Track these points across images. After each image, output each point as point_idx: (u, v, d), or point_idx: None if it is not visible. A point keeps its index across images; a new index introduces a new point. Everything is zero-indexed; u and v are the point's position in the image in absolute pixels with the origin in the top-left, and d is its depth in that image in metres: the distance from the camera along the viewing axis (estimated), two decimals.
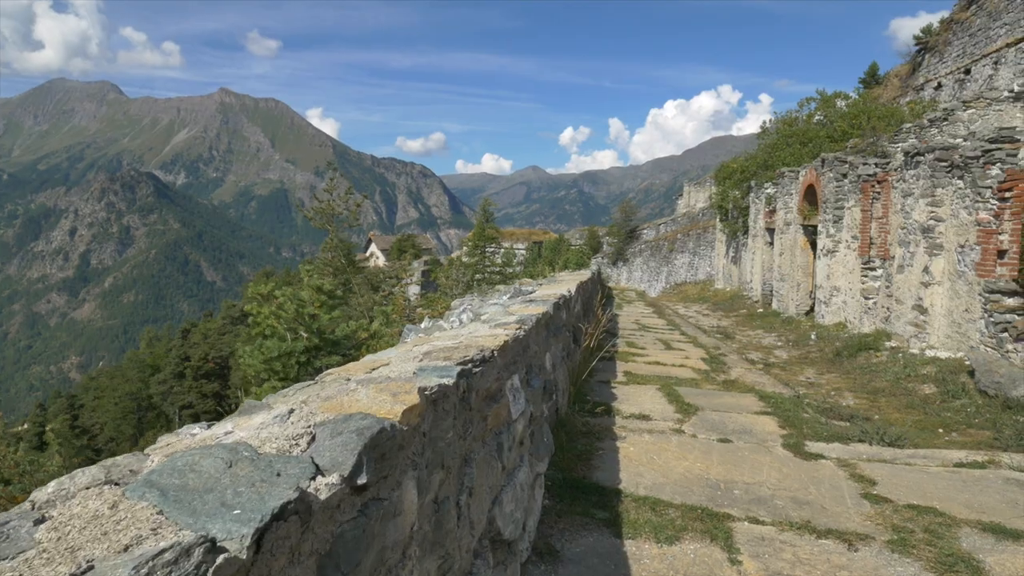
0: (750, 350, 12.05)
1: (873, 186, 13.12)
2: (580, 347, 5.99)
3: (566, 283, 7.24)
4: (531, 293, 6.23)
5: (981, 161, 8.95)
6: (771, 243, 22.13)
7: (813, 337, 13.07)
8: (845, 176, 14.24)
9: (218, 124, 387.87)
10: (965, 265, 9.06)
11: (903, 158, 10.88)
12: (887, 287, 11.84)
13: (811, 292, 18.10)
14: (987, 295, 8.46)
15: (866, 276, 13.14)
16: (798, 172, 18.46)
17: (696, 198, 55.90)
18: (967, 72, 26.59)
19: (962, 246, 9.17)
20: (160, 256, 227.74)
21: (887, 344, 10.51)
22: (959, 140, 9.77)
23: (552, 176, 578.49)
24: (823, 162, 15.41)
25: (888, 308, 11.73)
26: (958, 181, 9.34)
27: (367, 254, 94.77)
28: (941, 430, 6.30)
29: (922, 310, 9.90)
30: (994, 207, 8.67)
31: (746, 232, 25.74)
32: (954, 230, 9.39)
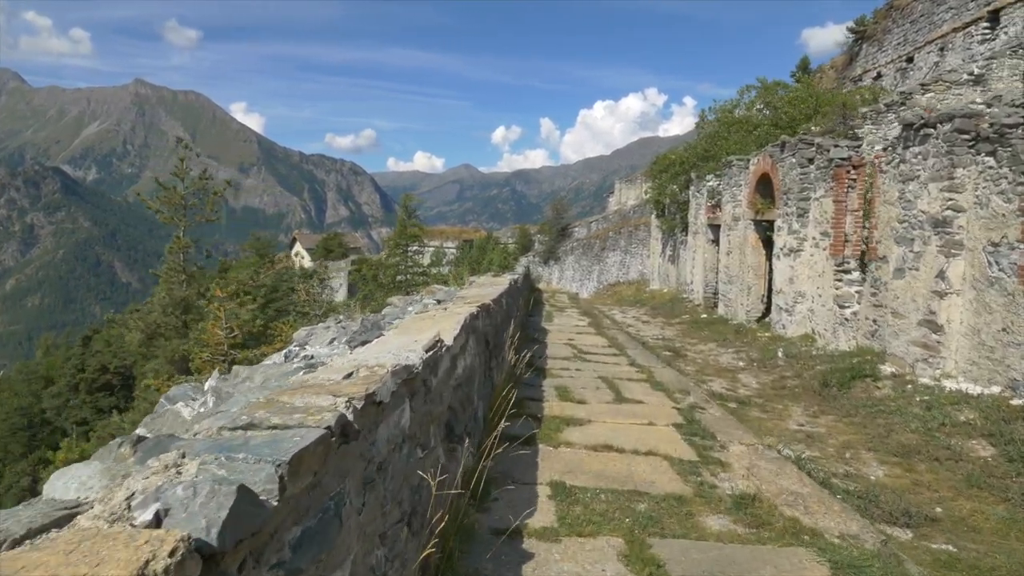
0: (710, 375, 9.57)
1: (848, 171, 10.92)
2: (462, 461, 3.03)
3: (458, 311, 4.41)
4: (379, 335, 3.45)
5: (1022, 131, 6.68)
6: (714, 241, 20.02)
7: (781, 355, 10.74)
8: (812, 161, 12.03)
9: (133, 116, 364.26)
10: (1001, 269, 6.78)
11: (901, 132, 8.61)
12: (873, 295, 9.60)
13: (763, 296, 15.99)
14: None
15: (840, 280, 10.93)
16: (748, 160, 16.31)
17: (627, 196, 54.75)
18: (910, 60, 25.38)
19: (995, 244, 6.89)
20: (69, 256, 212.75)
21: (884, 369, 8.20)
22: (981, 106, 7.53)
23: (485, 174, 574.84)
24: (783, 146, 13.20)
25: (876, 321, 9.48)
26: (987, 158, 7.07)
27: (292, 253, 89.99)
28: None
29: (934, 327, 7.61)
30: None
31: (685, 229, 23.63)
32: (982, 223, 7.11)
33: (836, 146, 11.31)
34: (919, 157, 8.02)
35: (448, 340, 3.05)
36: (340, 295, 58.68)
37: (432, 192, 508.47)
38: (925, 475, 5.09)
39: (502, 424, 3.69)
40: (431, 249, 56.83)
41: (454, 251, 56.42)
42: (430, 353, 2.58)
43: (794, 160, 12.54)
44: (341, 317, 6.57)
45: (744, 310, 16.01)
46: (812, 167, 12.02)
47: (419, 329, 3.43)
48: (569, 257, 43.64)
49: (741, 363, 10.68)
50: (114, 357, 45.42)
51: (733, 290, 16.90)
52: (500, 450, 3.49)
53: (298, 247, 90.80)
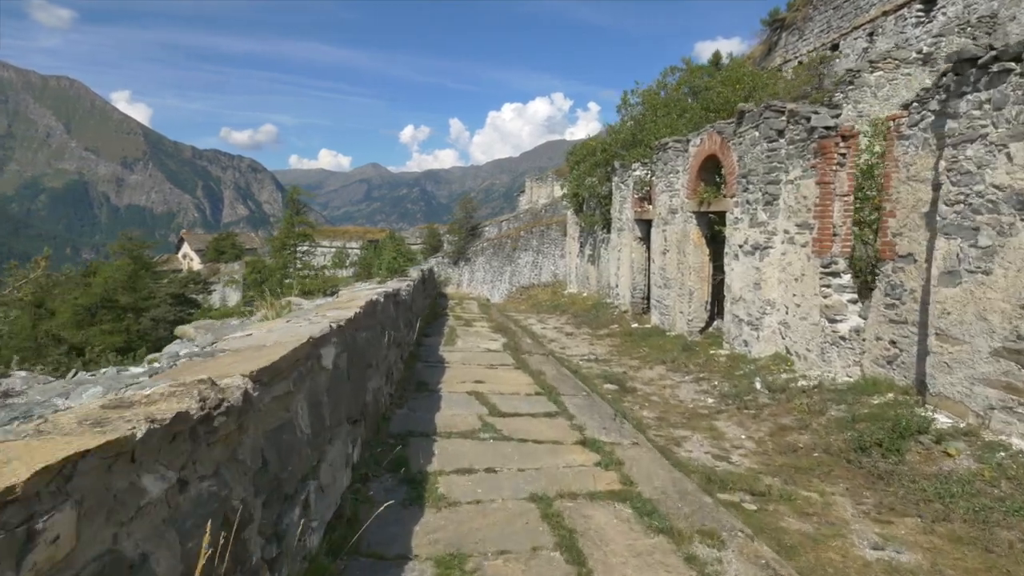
0: (679, 425, 6.71)
1: (837, 144, 8.41)
2: None
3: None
4: None
5: None
6: (643, 238, 17.51)
7: (760, 387, 8.06)
8: (782, 134, 9.48)
9: None
10: None
11: (941, 77, 6.02)
12: (891, 307, 7.04)
13: (707, 303, 13.52)
14: None
15: (828, 286, 8.41)
16: (688, 142, 13.77)
17: (538, 194, 52.88)
18: (835, 48, 24.08)
19: None
20: None
21: (939, 421, 5.58)
22: None
23: (393, 174, 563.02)
24: (740, 118, 10.62)
25: (896, 344, 6.92)
26: None
27: (179, 255, 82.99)
28: None
29: None
30: None
31: (607, 226, 21.05)
32: None
33: (816, 113, 8.80)
34: (987, 107, 5.45)
35: None
36: (232, 300, 53.27)
37: (339, 191, 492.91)
38: None
39: None
40: (333, 250, 52.85)
41: (358, 251, 52.43)
42: None
43: (758, 134, 9.96)
44: (23, 373, 3.13)
45: (685, 319, 13.47)
46: (783, 141, 9.48)
47: None
48: (480, 258, 40.63)
49: (711, 399, 7.91)
50: None
51: (670, 295, 14.34)
52: None
53: (186, 248, 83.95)
